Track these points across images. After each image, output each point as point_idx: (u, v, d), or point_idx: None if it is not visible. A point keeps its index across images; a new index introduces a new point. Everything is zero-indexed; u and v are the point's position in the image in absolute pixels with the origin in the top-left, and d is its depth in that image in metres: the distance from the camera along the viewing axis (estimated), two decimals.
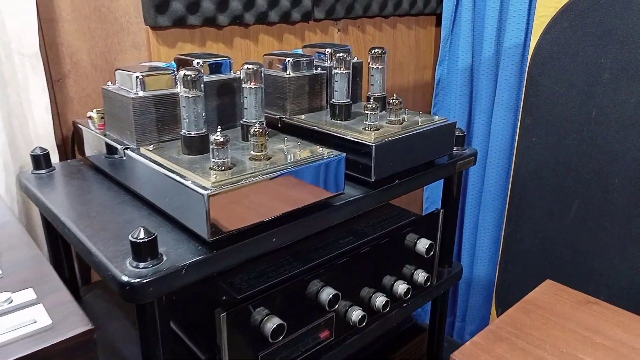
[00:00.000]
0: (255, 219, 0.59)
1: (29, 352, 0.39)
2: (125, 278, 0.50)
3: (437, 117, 0.84)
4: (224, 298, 0.65)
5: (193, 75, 0.61)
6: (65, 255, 0.85)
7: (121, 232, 0.60)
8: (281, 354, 0.68)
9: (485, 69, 1.44)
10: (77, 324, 0.43)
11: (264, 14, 1.12)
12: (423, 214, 0.95)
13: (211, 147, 0.58)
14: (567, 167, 0.98)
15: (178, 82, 0.62)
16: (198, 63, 0.73)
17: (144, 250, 0.52)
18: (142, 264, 0.52)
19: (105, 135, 0.75)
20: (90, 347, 0.42)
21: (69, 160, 0.89)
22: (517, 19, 1.34)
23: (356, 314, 0.76)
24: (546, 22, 0.95)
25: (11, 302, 0.45)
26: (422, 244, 0.85)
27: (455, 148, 0.89)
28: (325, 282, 0.72)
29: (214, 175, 0.56)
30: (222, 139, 0.58)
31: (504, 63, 1.39)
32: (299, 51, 0.95)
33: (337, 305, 0.72)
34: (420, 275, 0.87)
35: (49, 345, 0.40)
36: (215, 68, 0.76)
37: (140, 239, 0.51)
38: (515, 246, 1.10)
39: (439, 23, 1.56)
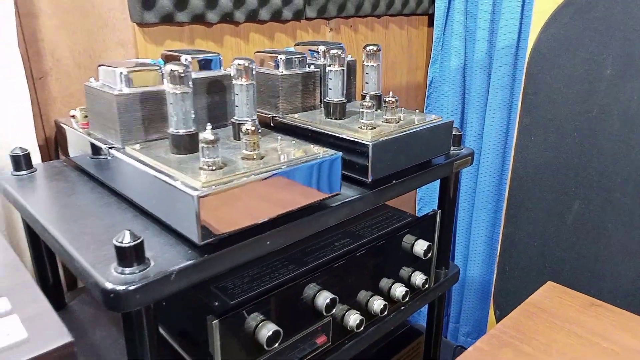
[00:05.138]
0: (248, 221, 0.56)
1: None
2: (109, 285, 0.47)
3: (434, 115, 0.82)
4: (216, 304, 0.61)
5: (181, 71, 0.58)
6: (49, 260, 0.81)
7: (104, 237, 0.56)
8: None
9: (478, 70, 1.43)
10: (56, 336, 0.39)
11: (255, 11, 1.09)
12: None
13: (200, 145, 0.55)
14: (568, 167, 0.96)
15: (165, 78, 0.59)
16: (186, 59, 0.70)
17: (130, 255, 0.49)
18: (127, 270, 0.48)
19: (89, 135, 0.71)
20: None
21: (51, 161, 0.85)
22: (510, 19, 1.33)
23: (353, 318, 0.73)
24: (545, 17, 0.93)
25: None
26: (420, 246, 0.83)
27: (451, 147, 0.87)
28: (322, 285, 0.69)
29: (204, 176, 0.53)
30: (212, 137, 0.55)
31: (496, 63, 1.38)
32: (291, 49, 0.93)
33: (334, 310, 0.69)
34: (418, 278, 0.85)
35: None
36: (204, 64, 0.73)
37: (125, 243, 0.48)
38: (514, 248, 1.08)
39: (431, 23, 1.54)
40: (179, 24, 1.00)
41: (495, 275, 1.13)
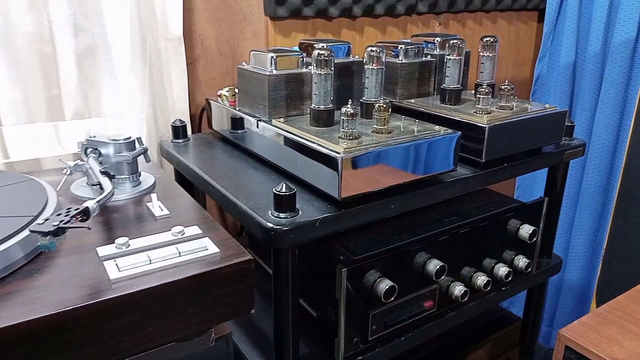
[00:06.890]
0: (378, 185, 0.64)
1: (206, 270, 0.47)
2: (270, 225, 0.58)
3: (547, 104, 0.85)
4: (341, 258, 0.71)
5: (326, 55, 0.68)
6: None
7: (257, 190, 0.68)
8: (389, 315, 0.73)
9: (590, 66, 1.40)
10: (240, 254, 0.50)
11: (371, 6, 1.18)
12: None
13: (341, 118, 0.64)
14: None
15: (312, 61, 0.69)
16: (323, 46, 0.80)
17: (285, 203, 0.59)
18: (282, 215, 0.59)
19: (237, 110, 0.84)
20: (249, 274, 0.50)
21: (198, 133, 1.00)
22: (629, 13, 1.29)
23: (458, 289, 0.79)
24: None
25: (184, 234, 0.53)
26: (526, 230, 0.86)
27: (563, 138, 0.89)
28: (432, 254, 0.76)
29: (344, 143, 0.62)
30: (352, 111, 0.64)
31: (611, 59, 1.34)
32: (407, 41, 1.00)
33: (442, 277, 0.75)
34: (522, 261, 0.88)
35: (221, 267, 0.48)
36: (336, 52, 0.83)
37: (282, 192, 0.59)
38: (623, 241, 1.06)
39: (541, 18, 1.53)
40: (304, 18, 1.12)
41: (600, 269, 1.12)
